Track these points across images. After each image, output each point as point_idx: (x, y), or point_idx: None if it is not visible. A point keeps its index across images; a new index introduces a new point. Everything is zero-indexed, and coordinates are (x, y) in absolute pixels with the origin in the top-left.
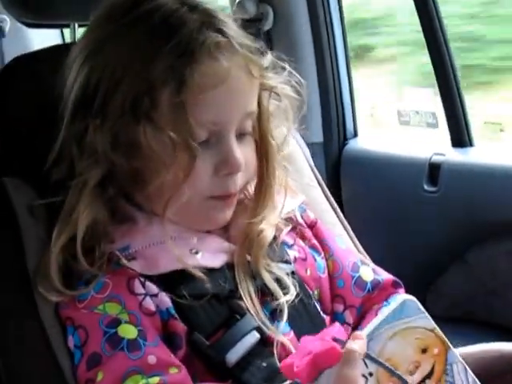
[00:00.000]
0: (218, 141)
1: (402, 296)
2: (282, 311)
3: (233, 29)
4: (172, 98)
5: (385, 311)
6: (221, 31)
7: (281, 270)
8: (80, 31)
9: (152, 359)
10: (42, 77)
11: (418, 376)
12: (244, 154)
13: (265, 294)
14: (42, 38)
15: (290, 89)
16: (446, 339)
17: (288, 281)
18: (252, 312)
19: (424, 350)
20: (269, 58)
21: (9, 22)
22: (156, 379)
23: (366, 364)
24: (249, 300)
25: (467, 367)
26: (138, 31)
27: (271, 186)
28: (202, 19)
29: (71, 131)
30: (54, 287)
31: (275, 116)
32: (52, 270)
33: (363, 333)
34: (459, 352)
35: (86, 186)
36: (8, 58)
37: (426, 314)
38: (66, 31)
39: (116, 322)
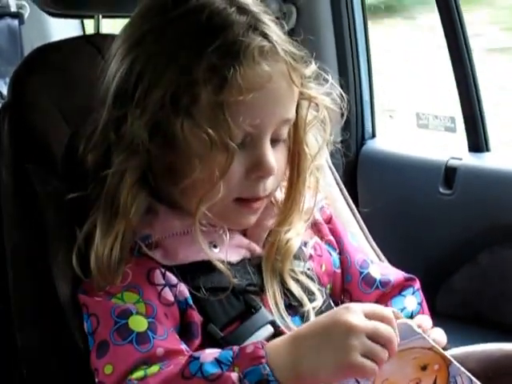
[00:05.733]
0: (252, 144)
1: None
2: (308, 316)
3: (277, 34)
4: (212, 97)
5: None
6: (266, 36)
7: (307, 277)
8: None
9: (160, 351)
10: (64, 67)
11: None
12: (276, 159)
13: (291, 300)
14: (62, 26)
15: (330, 101)
16: (447, 354)
17: (314, 288)
18: (272, 307)
19: (424, 368)
20: (312, 68)
21: (28, 9)
22: (155, 368)
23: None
24: (272, 297)
25: (472, 377)
26: (184, 27)
27: (300, 194)
28: (249, 22)
29: (110, 119)
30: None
31: (312, 126)
32: (111, 262)
33: None
34: (467, 350)
35: (126, 178)
36: (26, 44)
37: (423, 334)
38: (87, 20)
39: (127, 313)
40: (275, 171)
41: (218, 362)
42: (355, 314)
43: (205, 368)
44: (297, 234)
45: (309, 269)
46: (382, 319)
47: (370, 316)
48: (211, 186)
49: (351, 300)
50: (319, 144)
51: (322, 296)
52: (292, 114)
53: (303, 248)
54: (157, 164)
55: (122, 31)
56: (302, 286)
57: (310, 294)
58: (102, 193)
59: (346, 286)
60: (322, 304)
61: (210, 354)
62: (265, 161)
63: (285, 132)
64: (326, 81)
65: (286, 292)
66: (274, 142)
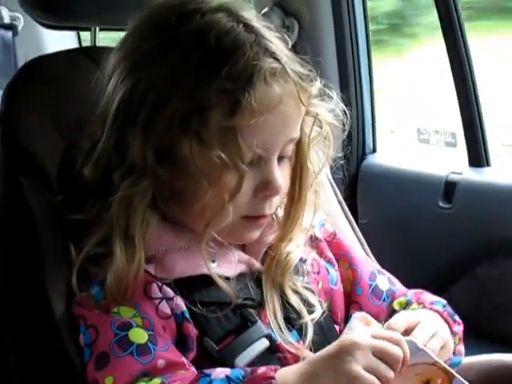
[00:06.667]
0: (260, 163)
1: None
2: (306, 328)
3: (285, 53)
4: (223, 120)
5: None
6: (275, 56)
7: (306, 290)
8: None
9: (161, 363)
10: (59, 79)
11: None
12: (281, 176)
13: (290, 313)
14: (56, 37)
15: (333, 117)
16: (450, 369)
17: (314, 299)
18: (271, 320)
19: (426, 383)
20: (317, 86)
21: (22, 20)
22: (157, 381)
23: None
24: (271, 310)
25: None
26: (192, 47)
27: (301, 209)
28: (258, 42)
29: (111, 138)
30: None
31: (315, 142)
32: (129, 285)
33: None
34: (466, 362)
35: (137, 204)
36: (20, 56)
37: (426, 349)
38: (83, 32)
39: (127, 326)
40: (282, 190)
41: (228, 379)
42: (361, 334)
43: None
44: (297, 246)
45: (308, 282)
46: (390, 340)
47: (377, 338)
48: (220, 208)
49: (360, 311)
50: (321, 160)
51: (322, 308)
52: (298, 133)
53: (302, 264)
54: (164, 186)
55: (121, 45)
56: (301, 298)
57: (310, 306)
58: (107, 214)
59: (357, 298)
60: (321, 315)
61: (222, 371)
62: (273, 180)
63: (290, 149)
64: (329, 96)
65: (286, 305)
66: (280, 159)
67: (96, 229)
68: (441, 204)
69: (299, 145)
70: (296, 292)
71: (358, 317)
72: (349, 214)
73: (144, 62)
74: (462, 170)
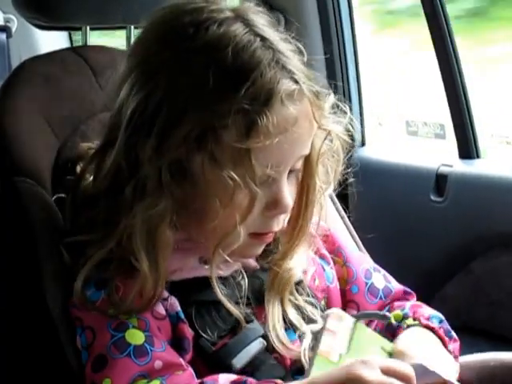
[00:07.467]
0: (270, 182)
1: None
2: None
3: (301, 70)
4: (238, 141)
5: None
6: (293, 76)
7: (307, 303)
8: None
9: (158, 364)
10: (51, 79)
11: None
12: (289, 192)
13: (288, 329)
14: (50, 38)
15: (344, 131)
16: None
17: (316, 314)
18: (272, 340)
19: None
20: (331, 100)
21: (16, 23)
22: (156, 382)
23: None
24: (271, 326)
25: None
26: (209, 62)
27: (306, 225)
28: (276, 60)
29: (123, 148)
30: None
31: (325, 156)
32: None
33: None
34: (462, 360)
35: (159, 223)
36: (14, 57)
37: (436, 371)
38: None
39: (124, 327)
40: (291, 208)
41: None
42: (371, 369)
43: None
44: (299, 264)
45: (308, 295)
46: (399, 376)
47: (386, 372)
48: (231, 229)
49: (358, 311)
50: (329, 175)
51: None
52: (309, 149)
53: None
54: (178, 205)
55: (133, 50)
56: (302, 313)
57: (311, 322)
58: (117, 224)
59: (353, 297)
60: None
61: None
62: (282, 200)
63: (299, 164)
64: (342, 111)
65: (287, 323)
66: (288, 173)
67: (107, 236)
68: (432, 197)
69: (308, 159)
70: (297, 307)
71: (331, 314)
72: (340, 207)
73: (159, 71)
74: (453, 163)
